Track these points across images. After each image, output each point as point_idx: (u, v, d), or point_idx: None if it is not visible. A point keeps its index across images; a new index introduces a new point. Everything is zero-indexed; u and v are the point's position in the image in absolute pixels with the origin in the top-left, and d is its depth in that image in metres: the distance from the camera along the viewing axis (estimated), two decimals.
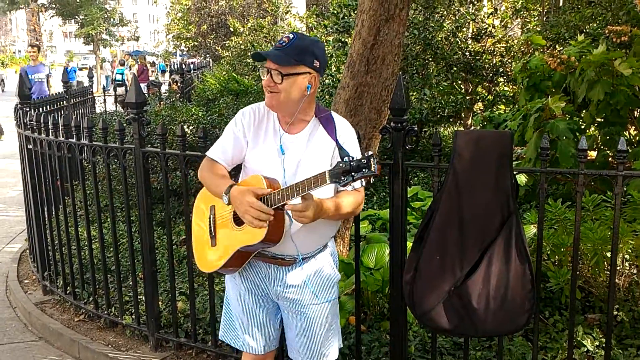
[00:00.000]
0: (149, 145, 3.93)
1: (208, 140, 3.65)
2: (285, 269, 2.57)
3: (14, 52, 69.44)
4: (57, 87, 11.81)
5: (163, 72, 26.16)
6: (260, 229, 2.35)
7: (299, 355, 2.68)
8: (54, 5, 36.76)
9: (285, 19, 14.11)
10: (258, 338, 2.69)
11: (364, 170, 2.14)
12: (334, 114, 2.63)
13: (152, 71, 24.82)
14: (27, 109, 5.16)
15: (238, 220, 2.47)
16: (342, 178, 2.16)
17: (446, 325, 2.71)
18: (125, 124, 4.17)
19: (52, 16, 39.06)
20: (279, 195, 2.33)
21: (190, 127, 6.27)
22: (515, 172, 2.75)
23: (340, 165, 2.17)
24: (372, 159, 2.14)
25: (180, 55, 35.87)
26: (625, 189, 4.07)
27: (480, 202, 2.67)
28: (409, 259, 2.81)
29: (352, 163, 2.15)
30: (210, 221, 2.61)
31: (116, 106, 13.07)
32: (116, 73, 18.66)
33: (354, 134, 2.63)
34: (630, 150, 4.56)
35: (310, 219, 2.32)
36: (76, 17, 36.39)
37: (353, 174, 2.15)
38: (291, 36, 2.46)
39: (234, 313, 2.73)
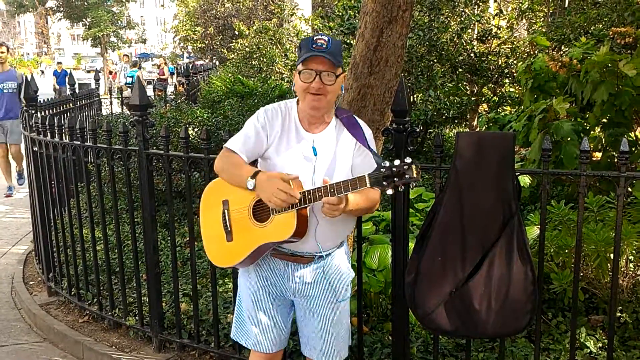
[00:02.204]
0: (154, 148, 3.95)
1: (211, 142, 3.67)
2: (303, 266, 2.59)
3: (22, 55, 69.87)
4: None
5: (172, 74, 26.19)
6: (288, 225, 2.38)
7: (315, 352, 2.69)
8: (61, 8, 36.96)
9: (291, 21, 14.12)
10: (270, 336, 2.70)
11: (406, 176, 2.19)
12: (354, 115, 2.65)
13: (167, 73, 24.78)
14: (33, 112, 5.19)
15: (258, 216, 2.48)
16: (384, 183, 2.21)
17: (448, 327, 2.71)
18: (129, 126, 4.19)
19: (60, 19, 39.29)
20: (312, 194, 2.35)
21: (195, 129, 6.29)
22: (517, 174, 2.75)
23: (382, 170, 2.22)
24: (413, 165, 2.19)
25: (187, 58, 36.00)
26: (630, 190, 4.08)
27: (482, 204, 2.67)
28: (410, 260, 2.81)
29: (393, 169, 2.20)
30: (225, 216, 2.58)
31: (122, 108, 13.09)
32: (127, 76, 18.65)
33: (372, 136, 2.66)
34: (635, 151, 4.55)
35: (340, 213, 2.35)
36: (84, 19, 36.59)
37: (395, 179, 2.20)
38: (325, 38, 2.46)
39: (246, 312, 2.72)
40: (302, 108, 2.53)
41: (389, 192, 2.23)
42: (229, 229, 2.56)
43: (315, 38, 2.46)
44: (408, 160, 2.21)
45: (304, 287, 2.62)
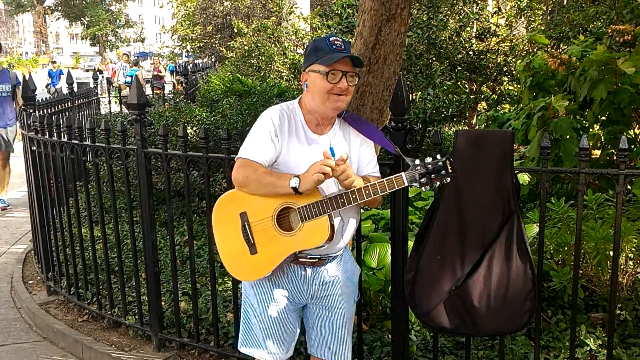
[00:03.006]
0: (153, 146, 3.94)
1: (210, 141, 3.66)
2: (320, 268, 2.60)
3: (21, 54, 69.80)
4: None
5: (172, 72, 26.13)
6: (322, 231, 2.38)
7: (329, 352, 2.68)
8: (59, 7, 36.98)
9: (289, 20, 14.11)
10: (284, 344, 2.66)
11: (442, 172, 2.25)
12: (357, 115, 2.66)
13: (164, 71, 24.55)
14: (31, 111, 5.19)
15: (284, 226, 2.45)
16: (422, 180, 2.26)
17: (447, 325, 2.71)
18: (128, 125, 4.18)
19: (58, 18, 39.30)
20: (344, 198, 2.35)
21: (194, 128, 6.28)
22: (516, 172, 2.74)
23: (418, 168, 2.27)
24: (448, 161, 2.25)
25: (186, 57, 35.98)
26: (629, 187, 4.08)
27: (481, 202, 2.67)
28: (410, 258, 2.81)
29: (428, 166, 2.26)
30: (246, 229, 2.50)
31: (121, 107, 13.07)
32: (127, 75, 18.56)
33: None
34: (634, 149, 4.55)
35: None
36: (82, 19, 36.61)
37: (432, 176, 2.26)
38: (340, 39, 2.46)
39: (257, 322, 2.65)
40: (319, 109, 2.48)
41: (424, 189, 2.30)
42: (252, 242, 2.50)
43: (331, 39, 2.46)
44: (439, 156, 2.28)
45: (323, 287, 2.62)
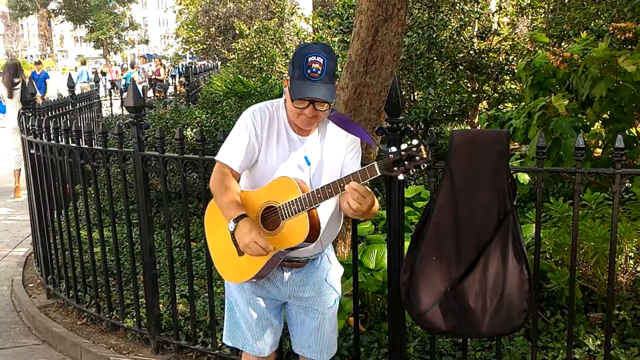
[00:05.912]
0: (152, 149, 3.93)
1: (209, 143, 3.65)
2: (298, 269, 2.60)
3: (26, 58, 69.97)
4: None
5: (173, 76, 26.05)
6: (301, 229, 2.34)
7: (309, 350, 2.69)
8: (64, 11, 37.10)
9: (291, 20, 14.10)
10: (267, 340, 2.69)
11: (416, 158, 2.17)
12: (342, 114, 2.62)
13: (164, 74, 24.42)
14: (30, 114, 5.19)
15: (268, 225, 2.44)
16: (395, 169, 2.19)
17: (443, 326, 2.69)
18: (124, 128, 4.18)
19: (62, 21, 39.41)
20: (321, 193, 2.31)
21: (194, 130, 6.27)
22: (512, 172, 2.72)
23: (391, 156, 2.20)
24: (421, 146, 2.17)
25: (190, 58, 36.06)
26: (629, 185, 4.05)
27: (477, 202, 2.65)
28: (405, 259, 2.79)
29: (402, 152, 2.18)
30: None
31: (122, 110, 13.09)
32: (123, 77, 18.50)
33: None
34: (635, 147, 4.51)
35: (366, 207, 2.28)
36: (86, 22, 36.73)
37: (405, 163, 2.18)
38: (320, 59, 2.31)
39: (242, 317, 2.68)
40: (292, 119, 2.47)
41: (401, 177, 2.22)
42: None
43: (310, 60, 2.30)
44: (415, 142, 2.19)
45: (301, 289, 2.62)
